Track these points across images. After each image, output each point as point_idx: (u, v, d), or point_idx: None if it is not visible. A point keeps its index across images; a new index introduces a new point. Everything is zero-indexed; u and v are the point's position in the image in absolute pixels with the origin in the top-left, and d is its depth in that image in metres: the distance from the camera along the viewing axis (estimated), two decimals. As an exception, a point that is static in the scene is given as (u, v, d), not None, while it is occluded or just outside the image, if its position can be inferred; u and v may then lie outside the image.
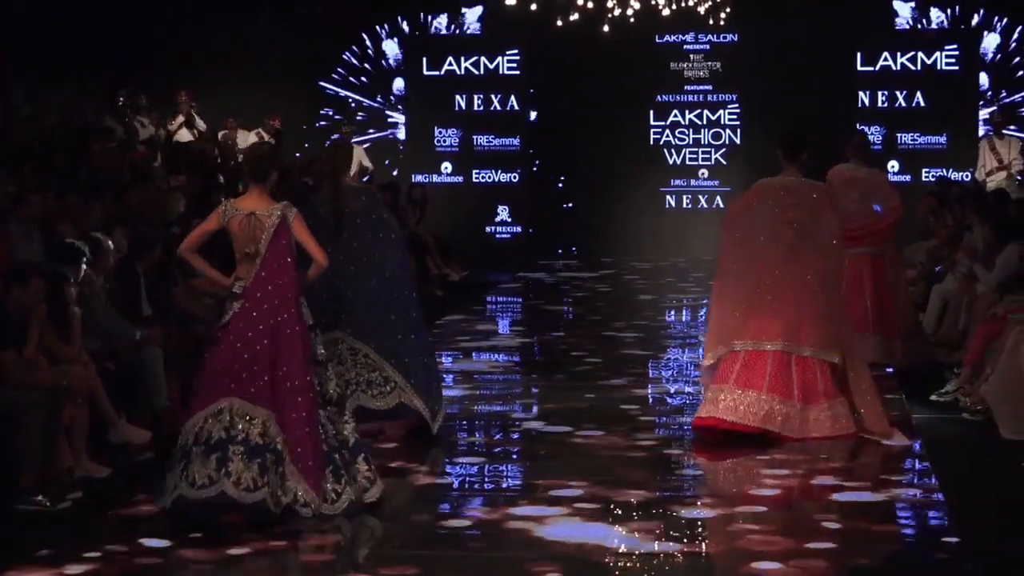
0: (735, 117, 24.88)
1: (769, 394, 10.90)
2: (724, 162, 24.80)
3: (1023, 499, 9.32)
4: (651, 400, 13.15)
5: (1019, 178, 20.44)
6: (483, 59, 24.78)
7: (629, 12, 18.99)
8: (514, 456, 10.97)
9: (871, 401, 11.07)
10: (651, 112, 25.14)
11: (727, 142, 24.89)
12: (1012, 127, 21.97)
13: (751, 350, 11.04)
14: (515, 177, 25.04)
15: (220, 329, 8.83)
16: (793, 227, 11.12)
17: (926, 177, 23.22)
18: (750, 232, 11.26)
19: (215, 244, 9.32)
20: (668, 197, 25.19)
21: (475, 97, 24.89)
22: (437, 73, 24.87)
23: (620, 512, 8.92)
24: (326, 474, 8.71)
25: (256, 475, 8.49)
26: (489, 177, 25.06)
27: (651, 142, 25.17)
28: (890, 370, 13.81)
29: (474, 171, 25.01)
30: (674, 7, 19.20)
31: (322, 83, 25.06)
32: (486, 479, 10.24)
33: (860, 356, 11.35)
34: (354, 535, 8.62)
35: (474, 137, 24.92)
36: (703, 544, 8.48)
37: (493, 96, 24.87)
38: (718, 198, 24.79)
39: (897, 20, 24.19)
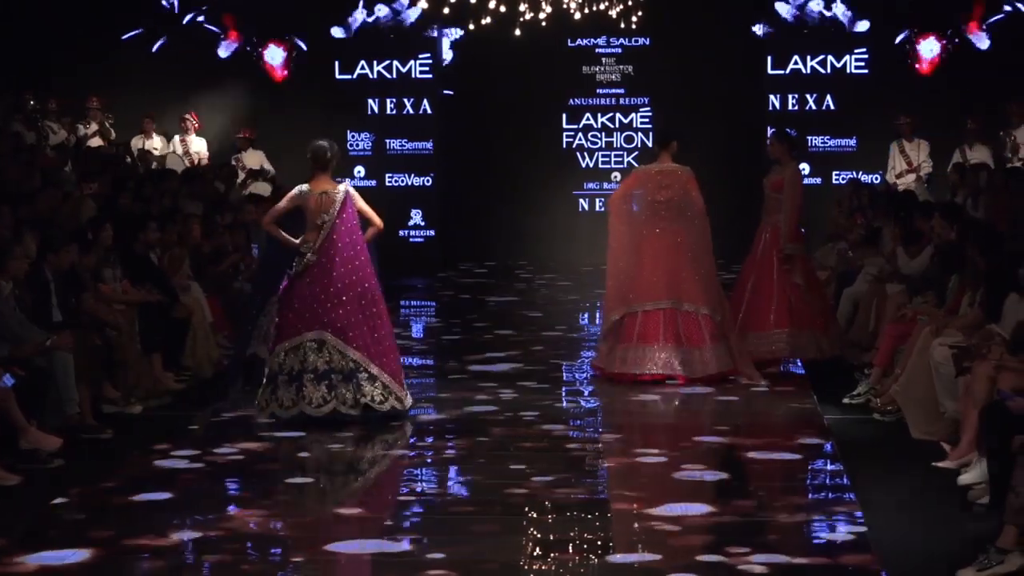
0: (647, 120, 24.90)
1: (663, 343, 13.21)
2: (636, 165, 24.76)
3: (934, 498, 9.40)
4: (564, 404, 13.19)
5: (927, 183, 20.65)
6: (395, 63, 24.69)
7: (541, 16, 19.00)
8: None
9: (739, 350, 13.37)
10: (564, 115, 25.20)
11: (639, 145, 24.91)
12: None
13: (645, 311, 13.32)
14: (428, 181, 24.98)
15: (294, 277, 11.59)
16: (666, 205, 13.41)
17: (836, 179, 23.36)
18: (631, 211, 13.60)
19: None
20: (581, 200, 25.23)
21: (387, 101, 24.80)
22: (349, 77, 24.77)
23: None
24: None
25: (324, 393, 11.50)
26: (402, 181, 24.99)
27: (564, 145, 25.22)
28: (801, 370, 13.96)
29: (387, 175, 24.93)
30: (586, 11, 19.22)
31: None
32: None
33: (729, 315, 13.49)
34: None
35: (387, 141, 24.83)
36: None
37: (406, 100, 24.78)
38: (631, 201, 24.72)
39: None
